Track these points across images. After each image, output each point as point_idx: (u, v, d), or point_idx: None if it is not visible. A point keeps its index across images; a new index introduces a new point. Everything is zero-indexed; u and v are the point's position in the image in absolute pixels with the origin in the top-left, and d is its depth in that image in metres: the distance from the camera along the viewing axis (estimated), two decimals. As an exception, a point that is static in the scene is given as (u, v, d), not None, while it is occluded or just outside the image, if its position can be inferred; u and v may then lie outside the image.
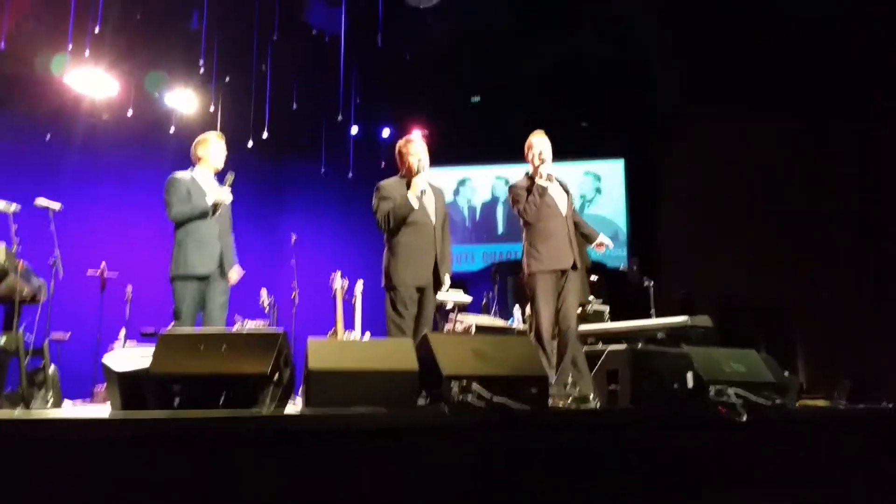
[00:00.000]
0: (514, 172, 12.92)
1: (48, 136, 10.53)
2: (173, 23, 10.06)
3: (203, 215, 5.81)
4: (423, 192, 5.46)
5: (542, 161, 5.82)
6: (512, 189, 5.98)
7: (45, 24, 9.47)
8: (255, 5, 9.98)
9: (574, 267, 5.76)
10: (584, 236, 6.22)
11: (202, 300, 5.76)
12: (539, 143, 5.91)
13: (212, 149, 6.23)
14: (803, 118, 10.55)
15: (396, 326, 5.16)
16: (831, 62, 9.91)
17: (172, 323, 5.72)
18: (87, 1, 8.55)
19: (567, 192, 6.03)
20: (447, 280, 5.58)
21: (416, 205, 5.39)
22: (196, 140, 6.32)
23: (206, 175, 6.15)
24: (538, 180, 5.74)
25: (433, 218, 5.55)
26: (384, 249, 5.48)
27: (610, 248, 6.28)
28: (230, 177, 6.09)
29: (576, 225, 6.11)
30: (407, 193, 5.40)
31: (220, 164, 6.26)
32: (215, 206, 5.90)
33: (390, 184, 5.55)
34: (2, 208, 5.53)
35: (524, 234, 5.90)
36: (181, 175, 6.05)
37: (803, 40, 9.88)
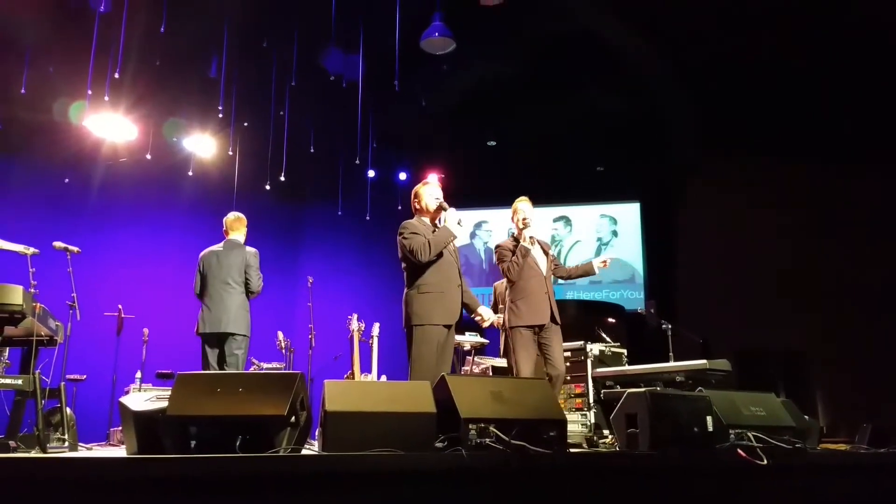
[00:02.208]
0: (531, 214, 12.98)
1: (67, 180, 10.63)
2: (192, 68, 10.18)
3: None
4: (460, 221, 5.44)
5: (526, 225, 6.17)
6: (498, 248, 6.33)
7: (64, 70, 9.60)
8: (273, 52, 10.10)
9: (554, 321, 6.01)
10: (583, 274, 6.57)
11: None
12: (524, 208, 6.27)
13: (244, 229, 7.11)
14: (820, 164, 10.55)
15: (424, 365, 5.10)
16: (846, 113, 9.95)
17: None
18: (107, 47, 8.67)
19: (547, 253, 6.32)
20: (486, 312, 5.82)
21: (458, 233, 5.40)
22: (243, 218, 7.10)
23: None
24: (522, 242, 6.10)
25: (456, 258, 5.59)
26: (407, 289, 5.38)
27: (610, 260, 6.57)
28: None
29: (569, 275, 6.53)
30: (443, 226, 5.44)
31: None
32: None
33: (415, 223, 5.52)
34: (20, 251, 5.57)
35: (507, 291, 6.19)
36: None
37: (818, 90, 9.93)
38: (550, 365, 5.92)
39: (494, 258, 6.41)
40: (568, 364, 7.44)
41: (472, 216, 13.68)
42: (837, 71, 9.68)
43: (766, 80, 10.18)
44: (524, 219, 6.19)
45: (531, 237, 6.14)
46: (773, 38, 9.43)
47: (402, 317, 5.40)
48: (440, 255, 5.36)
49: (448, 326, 5.33)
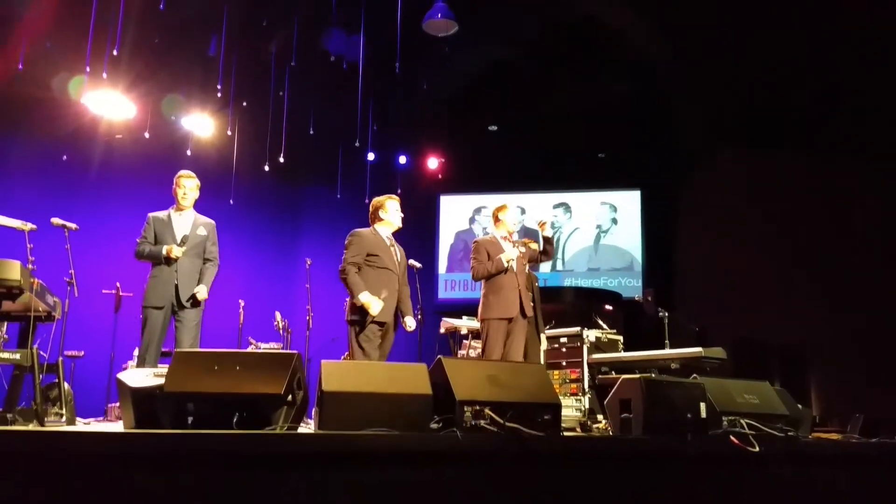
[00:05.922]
0: (531, 201, 13.00)
1: (65, 157, 10.60)
2: (192, 47, 10.13)
3: (158, 262, 6.18)
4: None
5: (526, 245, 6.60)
6: (475, 244, 6.71)
7: (63, 46, 9.55)
8: (274, 32, 10.06)
9: (523, 314, 6.29)
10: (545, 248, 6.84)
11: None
12: (511, 219, 6.73)
13: (177, 190, 6.53)
14: (821, 157, 10.57)
15: None
16: (851, 106, 9.94)
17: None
18: (106, 24, 8.62)
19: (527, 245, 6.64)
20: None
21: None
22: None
23: (179, 215, 6.47)
24: (506, 261, 6.33)
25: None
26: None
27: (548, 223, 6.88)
28: (185, 238, 6.29)
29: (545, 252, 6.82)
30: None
31: (186, 204, 6.51)
32: (168, 258, 6.15)
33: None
34: (18, 227, 5.57)
35: (483, 283, 6.49)
36: (156, 214, 6.44)
37: (824, 83, 9.91)
38: (508, 356, 6.20)
39: (472, 251, 6.66)
40: (564, 350, 7.50)
41: (471, 201, 13.68)
42: (846, 66, 9.64)
43: (771, 70, 10.15)
44: (520, 242, 6.59)
45: (514, 249, 6.42)
46: (782, 27, 9.38)
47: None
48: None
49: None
